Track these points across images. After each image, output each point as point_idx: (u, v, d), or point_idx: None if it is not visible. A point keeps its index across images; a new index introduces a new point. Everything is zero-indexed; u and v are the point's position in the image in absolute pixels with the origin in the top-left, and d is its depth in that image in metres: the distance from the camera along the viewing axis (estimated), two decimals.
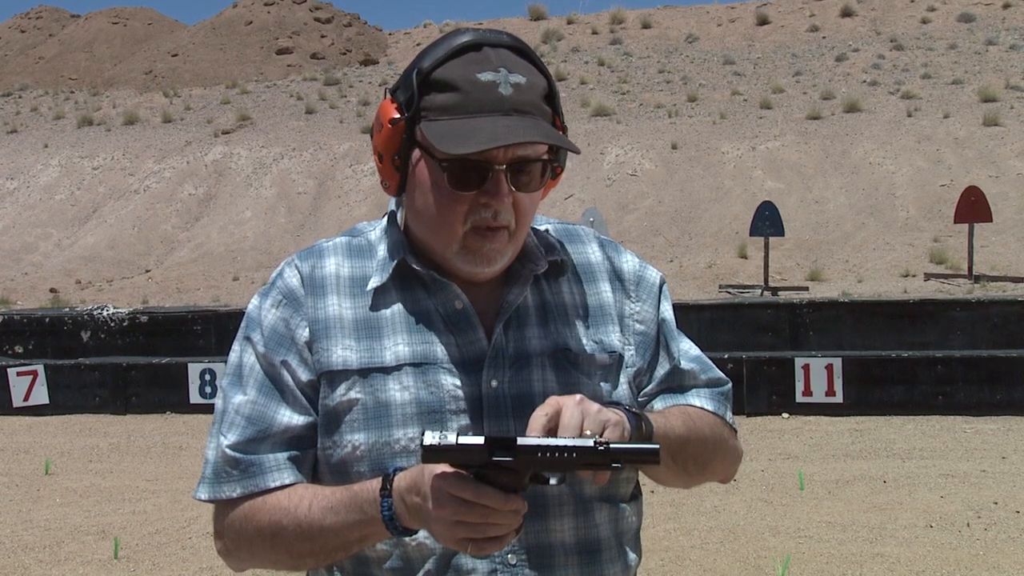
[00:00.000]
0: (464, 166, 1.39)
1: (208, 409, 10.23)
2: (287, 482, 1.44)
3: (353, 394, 1.44)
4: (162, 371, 10.82)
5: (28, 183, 26.15)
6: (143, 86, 35.44)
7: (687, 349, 1.62)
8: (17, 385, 10.81)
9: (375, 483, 1.36)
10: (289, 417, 1.46)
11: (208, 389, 10.48)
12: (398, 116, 1.44)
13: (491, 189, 1.40)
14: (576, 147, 1.43)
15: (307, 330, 1.47)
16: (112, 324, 11.60)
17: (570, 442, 1.28)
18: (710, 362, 1.63)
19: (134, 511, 6.83)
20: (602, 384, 1.51)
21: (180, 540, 6.09)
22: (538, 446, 1.28)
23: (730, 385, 1.64)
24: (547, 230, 1.60)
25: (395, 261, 1.49)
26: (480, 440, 1.27)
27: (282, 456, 1.45)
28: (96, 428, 10.08)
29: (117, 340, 11.54)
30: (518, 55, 1.44)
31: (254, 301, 1.52)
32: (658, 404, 1.57)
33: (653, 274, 1.63)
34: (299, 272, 1.51)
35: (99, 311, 11.79)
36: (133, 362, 10.97)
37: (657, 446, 1.30)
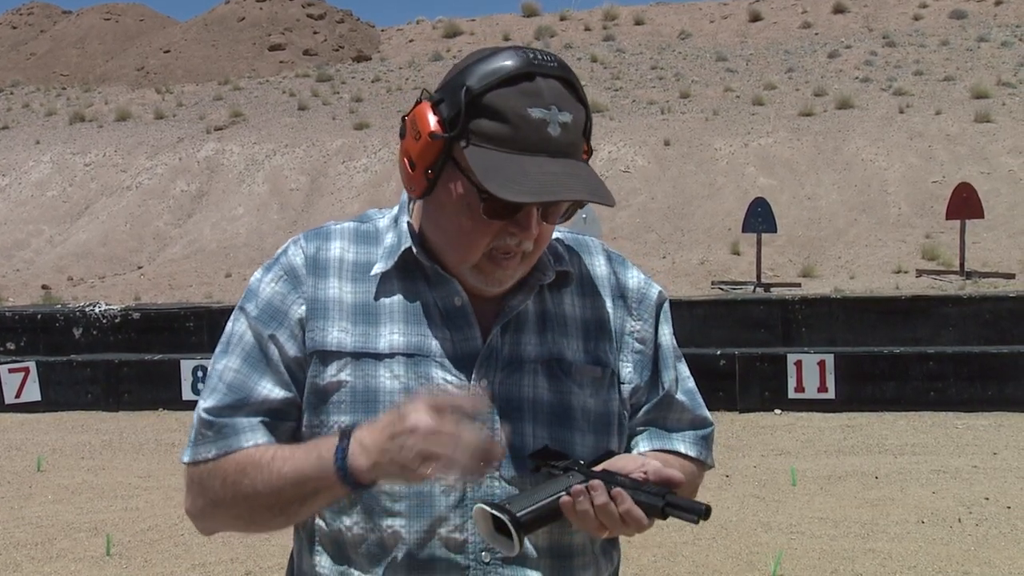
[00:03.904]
0: (503, 201, 1.39)
1: None
2: (260, 443, 1.46)
3: (343, 376, 1.46)
4: (154, 368, 10.79)
5: (20, 179, 26.06)
6: (135, 82, 35.34)
7: (684, 378, 1.63)
8: (9, 382, 10.77)
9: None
10: (269, 390, 1.48)
11: (200, 386, 10.45)
12: (440, 132, 1.42)
13: (522, 222, 1.42)
14: (613, 200, 1.43)
15: (303, 308, 1.49)
16: (104, 321, 11.57)
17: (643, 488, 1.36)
18: (700, 399, 1.64)
19: (126, 508, 6.82)
20: (591, 397, 1.52)
21: (172, 537, 6.08)
22: (608, 472, 1.39)
23: (713, 428, 1.65)
24: (557, 239, 1.61)
25: (401, 250, 1.51)
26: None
27: (256, 420, 1.48)
28: (88, 425, 10.06)
29: (109, 337, 11.51)
30: (566, 87, 1.44)
31: (256, 274, 1.55)
32: (643, 444, 1.58)
33: (655, 292, 1.63)
34: (303, 252, 1.53)
35: (91, 308, 11.75)
36: (125, 359, 10.94)
37: (705, 506, 1.35)
